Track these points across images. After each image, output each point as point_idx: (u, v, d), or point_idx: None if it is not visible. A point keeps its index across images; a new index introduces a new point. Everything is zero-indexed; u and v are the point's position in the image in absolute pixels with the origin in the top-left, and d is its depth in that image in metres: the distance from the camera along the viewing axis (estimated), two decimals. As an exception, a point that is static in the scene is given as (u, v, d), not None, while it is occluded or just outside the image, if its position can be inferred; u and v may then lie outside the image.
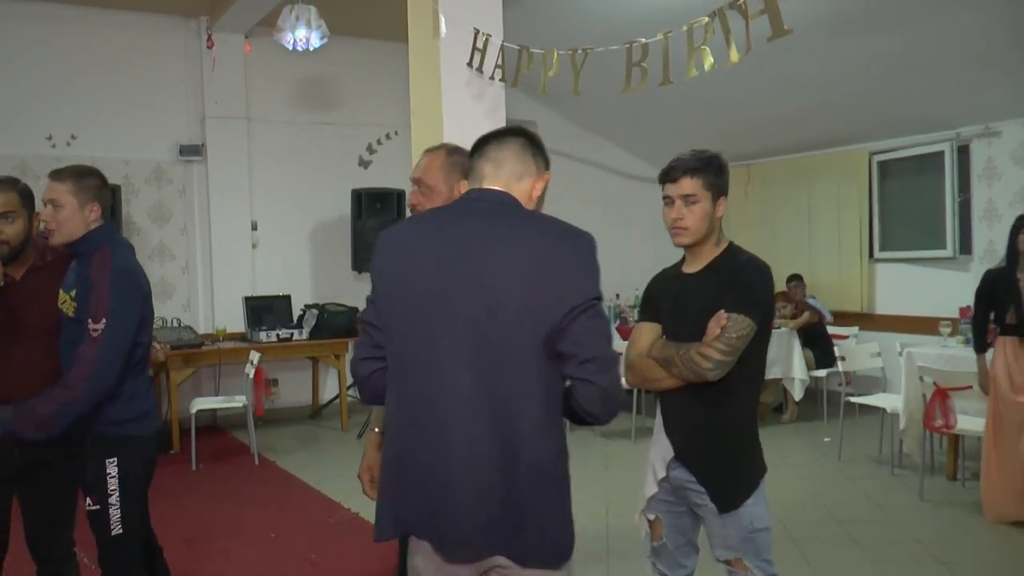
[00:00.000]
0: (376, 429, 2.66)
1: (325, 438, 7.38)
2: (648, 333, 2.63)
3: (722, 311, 2.43)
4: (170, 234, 7.97)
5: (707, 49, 3.24)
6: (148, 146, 7.79)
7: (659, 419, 2.67)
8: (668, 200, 2.55)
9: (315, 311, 7.82)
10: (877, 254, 8.22)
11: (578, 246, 1.84)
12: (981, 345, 4.89)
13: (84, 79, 7.48)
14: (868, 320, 8.18)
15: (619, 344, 7.01)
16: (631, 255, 9.21)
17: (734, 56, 3.17)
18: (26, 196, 2.94)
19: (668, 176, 2.54)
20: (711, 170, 2.53)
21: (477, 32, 3.97)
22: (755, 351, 2.49)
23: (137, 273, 2.84)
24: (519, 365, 1.79)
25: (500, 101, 4.14)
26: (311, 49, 5.15)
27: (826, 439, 6.90)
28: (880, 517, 5.01)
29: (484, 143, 2.00)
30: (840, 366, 6.57)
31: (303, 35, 5.03)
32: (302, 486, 5.87)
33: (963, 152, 7.48)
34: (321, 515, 5.19)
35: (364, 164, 8.66)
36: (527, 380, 1.80)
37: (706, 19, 3.23)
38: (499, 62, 4.01)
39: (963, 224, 7.50)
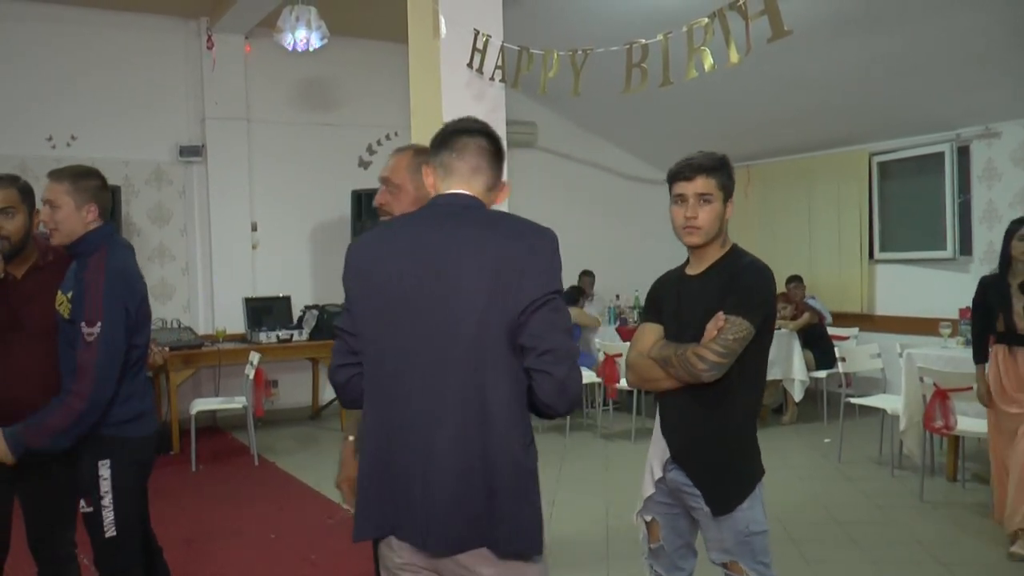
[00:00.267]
0: (350, 437, 2.64)
1: (325, 439, 7.38)
2: (650, 334, 2.63)
3: (720, 312, 2.43)
4: (170, 235, 7.97)
5: (707, 50, 3.24)
6: (148, 147, 7.79)
7: (658, 420, 2.67)
8: (680, 199, 2.52)
9: (315, 312, 7.82)
10: (877, 255, 8.22)
11: (540, 243, 1.89)
12: (980, 355, 4.61)
13: (84, 80, 7.49)
14: (868, 321, 8.18)
15: (620, 345, 7.01)
16: (631, 256, 9.23)
17: (734, 57, 3.17)
18: (26, 193, 2.94)
19: (682, 175, 2.52)
20: (725, 171, 2.53)
21: (477, 33, 3.97)
22: (755, 354, 2.48)
23: (133, 275, 2.83)
24: (490, 363, 1.85)
25: (500, 102, 4.14)
26: (311, 50, 5.15)
27: (826, 440, 6.90)
28: (880, 518, 5.00)
29: (452, 136, 2.02)
30: (840, 367, 6.57)
31: (303, 36, 5.04)
32: (302, 487, 5.87)
33: (963, 153, 7.48)
34: (321, 516, 5.18)
35: (364, 165, 8.66)
36: (498, 377, 1.85)
37: (706, 20, 3.23)
38: (499, 63, 4.01)
39: (963, 225, 7.50)
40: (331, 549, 4.60)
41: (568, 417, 7.37)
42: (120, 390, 2.76)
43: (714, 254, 2.56)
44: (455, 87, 4.03)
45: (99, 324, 2.66)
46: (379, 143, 8.71)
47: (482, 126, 2.05)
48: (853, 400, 6.36)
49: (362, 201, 7.93)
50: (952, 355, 5.57)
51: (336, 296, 8.08)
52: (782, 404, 7.82)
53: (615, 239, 9.65)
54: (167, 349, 3.58)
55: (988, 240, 7.22)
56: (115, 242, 2.88)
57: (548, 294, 1.85)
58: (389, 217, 2.52)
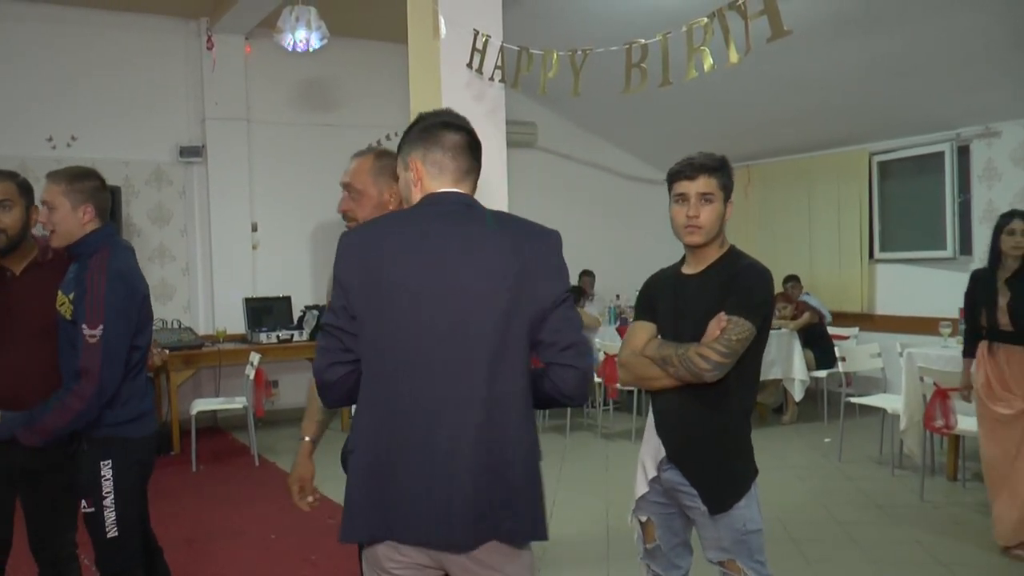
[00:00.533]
0: (307, 438, 2.63)
1: (325, 439, 7.29)
2: (643, 332, 2.63)
3: (722, 313, 2.43)
4: (170, 235, 7.97)
5: (706, 50, 3.23)
6: (148, 147, 7.80)
7: (651, 419, 2.66)
8: (681, 198, 2.53)
9: (315, 312, 7.82)
10: (877, 255, 8.22)
11: (552, 244, 1.96)
12: (969, 349, 4.57)
13: (84, 80, 7.49)
14: (868, 321, 8.18)
15: (620, 345, 7.00)
16: (631, 256, 9.22)
17: (733, 57, 3.17)
18: (24, 187, 2.95)
19: (684, 174, 2.52)
20: (725, 171, 2.54)
21: (477, 33, 3.97)
22: (752, 354, 2.48)
23: (134, 276, 2.84)
24: (507, 360, 1.88)
25: (500, 102, 4.14)
26: (311, 50, 5.14)
27: (826, 440, 6.90)
28: (880, 518, 5.00)
29: (438, 131, 2.01)
30: (840, 367, 6.57)
31: (303, 36, 5.03)
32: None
33: (963, 153, 7.49)
34: (321, 516, 5.17)
35: (364, 165, 8.64)
36: (514, 373, 1.90)
37: (705, 20, 3.23)
38: (499, 63, 4.01)
39: (963, 225, 7.50)
40: (331, 549, 4.60)
41: (568, 417, 7.38)
42: (121, 391, 2.77)
43: (713, 254, 2.57)
44: (455, 87, 4.03)
45: (101, 326, 2.67)
46: (379, 143, 8.67)
47: (465, 122, 2.05)
48: (853, 400, 6.36)
49: (362, 201, 7.92)
50: (952, 354, 5.57)
51: (336, 296, 8.09)
52: (782, 404, 7.82)
53: (615, 239, 9.65)
54: (166, 351, 3.58)
55: (988, 240, 7.20)
56: (116, 243, 2.89)
57: (565, 293, 1.93)
58: (355, 223, 2.49)
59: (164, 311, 7.64)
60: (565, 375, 1.93)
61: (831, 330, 7.88)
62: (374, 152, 2.56)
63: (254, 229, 8.19)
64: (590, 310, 8.61)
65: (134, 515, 2.86)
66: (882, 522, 4.93)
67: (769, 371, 7.10)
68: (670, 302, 2.62)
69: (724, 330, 2.40)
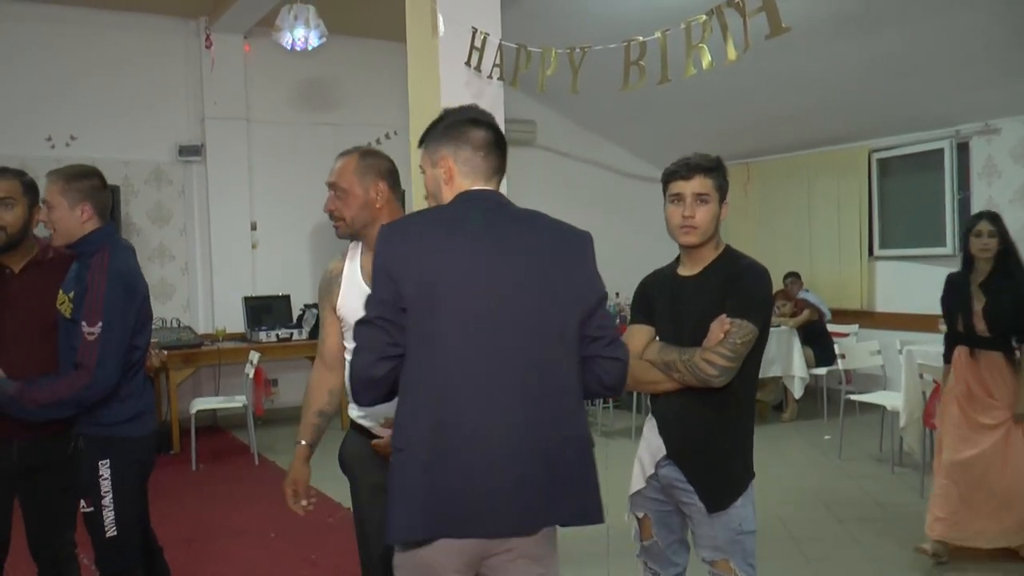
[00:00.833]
0: (303, 442, 2.61)
1: (324, 438, 7.32)
2: (641, 335, 2.62)
3: (724, 315, 2.42)
4: (170, 235, 7.97)
5: (705, 47, 3.23)
6: (147, 147, 7.79)
7: (650, 419, 2.66)
8: (677, 198, 2.52)
9: (315, 311, 7.81)
10: (877, 252, 8.22)
11: (587, 243, 2.06)
12: (949, 354, 4.37)
13: (83, 80, 7.49)
14: (868, 318, 8.18)
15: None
16: (631, 254, 9.18)
17: (732, 54, 3.17)
18: (29, 187, 2.95)
19: (679, 174, 2.52)
20: (721, 172, 2.54)
21: (475, 31, 3.96)
22: (753, 353, 2.48)
23: (135, 275, 2.84)
24: (562, 352, 1.95)
25: (499, 100, 4.13)
26: (310, 49, 5.14)
27: (826, 437, 6.90)
28: (881, 515, 5.00)
29: (467, 127, 2.03)
30: (840, 364, 6.57)
31: (302, 35, 5.02)
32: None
33: (963, 150, 7.48)
34: (321, 515, 5.18)
35: (363, 164, 8.65)
36: (571, 365, 1.97)
37: (704, 17, 3.23)
38: (497, 61, 4.01)
39: (963, 222, 7.48)
40: (331, 548, 4.61)
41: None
42: (120, 390, 2.76)
43: (709, 255, 2.56)
44: (454, 85, 4.02)
45: (99, 324, 2.67)
46: (378, 142, 8.69)
47: (491, 118, 2.09)
48: (853, 397, 6.36)
49: (361, 200, 7.92)
50: (952, 352, 5.57)
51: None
52: (782, 401, 7.82)
53: (615, 237, 9.60)
54: (164, 352, 3.59)
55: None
56: (117, 243, 2.89)
57: (604, 291, 2.04)
58: (342, 223, 2.49)
59: (164, 310, 7.64)
60: (611, 367, 2.01)
61: (831, 327, 7.88)
62: (359, 151, 2.55)
63: (253, 228, 8.18)
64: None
65: (133, 515, 2.86)
66: (883, 519, 4.93)
67: (769, 369, 7.09)
68: (668, 305, 2.61)
69: (728, 333, 2.39)
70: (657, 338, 2.60)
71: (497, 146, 2.05)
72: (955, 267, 4.38)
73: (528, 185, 8.30)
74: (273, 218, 8.25)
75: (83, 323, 2.67)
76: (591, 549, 4.46)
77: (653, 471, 2.60)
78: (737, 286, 2.46)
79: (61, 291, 2.83)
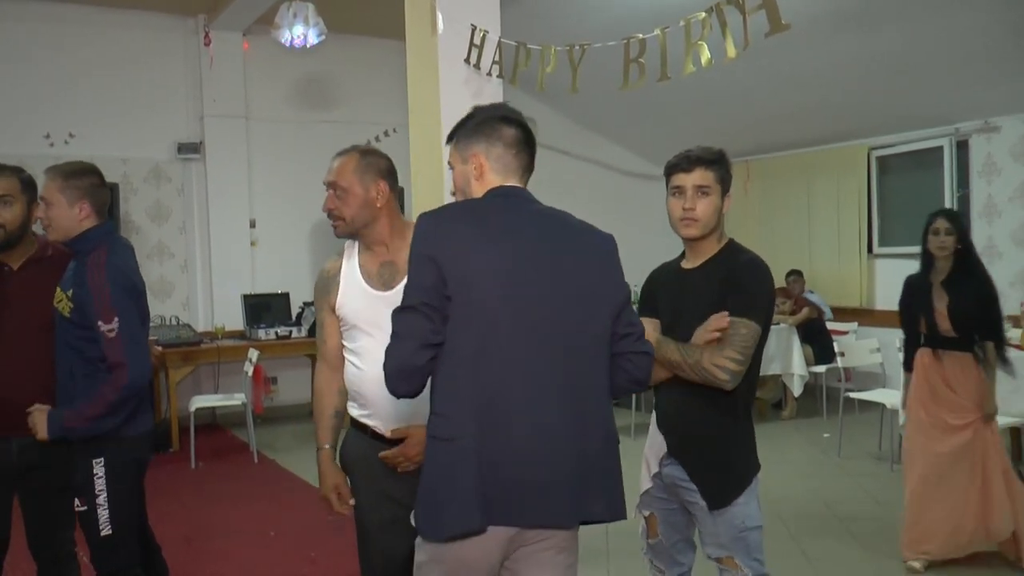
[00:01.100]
0: (326, 446, 2.57)
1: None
2: (648, 327, 2.62)
3: (724, 313, 2.40)
4: (169, 233, 7.97)
5: (704, 45, 3.23)
6: (146, 145, 7.78)
7: (654, 415, 2.66)
8: (678, 190, 2.52)
9: (314, 309, 7.80)
10: (876, 249, 8.22)
11: (613, 243, 2.11)
12: (908, 362, 4.31)
13: (82, 77, 7.48)
14: (867, 316, 8.18)
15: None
16: (630, 252, 9.08)
17: (731, 52, 3.17)
18: (27, 184, 2.94)
19: (680, 166, 2.51)
20: (723, 165, 2.53)
21: (475, 28, 3.96)
22: (755, 351, 2.48)
23: (132, 273, 2.83)
24: (595, 350, 1.99)
25: (498, 98, 4.13)
26: (308, 46, 5.13)
27: (825, 435, 6.90)
28: (880, 513, 5.00)
29: (499, 124, 2.04)
30: (839, 362, 6.56)
31: (301, 32, 5.02)
32: (301, 484, 5.87)
33: (962, 148, 7.48)
34: (320, 513, 5.17)
35: (363, 162, 8.64)
36: (603, 360, 2.00)
37: (703, 14, 3.23)
38: (496, 59, 4.01)
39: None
40: (331, 547, 4.60)
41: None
42: None
43: (711, 248, 2.55)
44: (453, 83, 4.02)
45: (116, 320, 2.67)
46: (377, 140, 8.69)
47: (520, 116, 2.10)
48: (852, 395, 6.36)
49: (361, 198, 7.91)
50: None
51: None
52: (781, 399, 7.82)
53: (614, 235, 9.62)
54: (159, 348, 3.59)
55: (987, 235, 7.21)
56: (115, 241, 2.89)
57: (629, 289, 2.09)
58: (342, 222, 2.48)
59: (163, 308, 7.64)
60: (640, 362, 2.05)
61: (830, 325, 7.88)
62: (358, 150, 2.54)
63: (252, 226, 8.17)
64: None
65: (129, 513, 2.84)
66: (882, 517, 4.93)
67: (768, 367, 7.09)
68: (670, 297, 2.61)
69: (735, 335, 2.38)
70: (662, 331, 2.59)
71: (527, 144, 2.08)
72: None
73: (527, 184, 8.31)
74: (272, 216, 8.25)
75: (100, 323, 2.67)
76: (592, 546, 4.45)
77: (657, 469, 2.61)
78: (739, 285, 2.45)
79: (59, 289, 2.82)
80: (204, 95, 7.89)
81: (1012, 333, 5.93)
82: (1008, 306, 6.92)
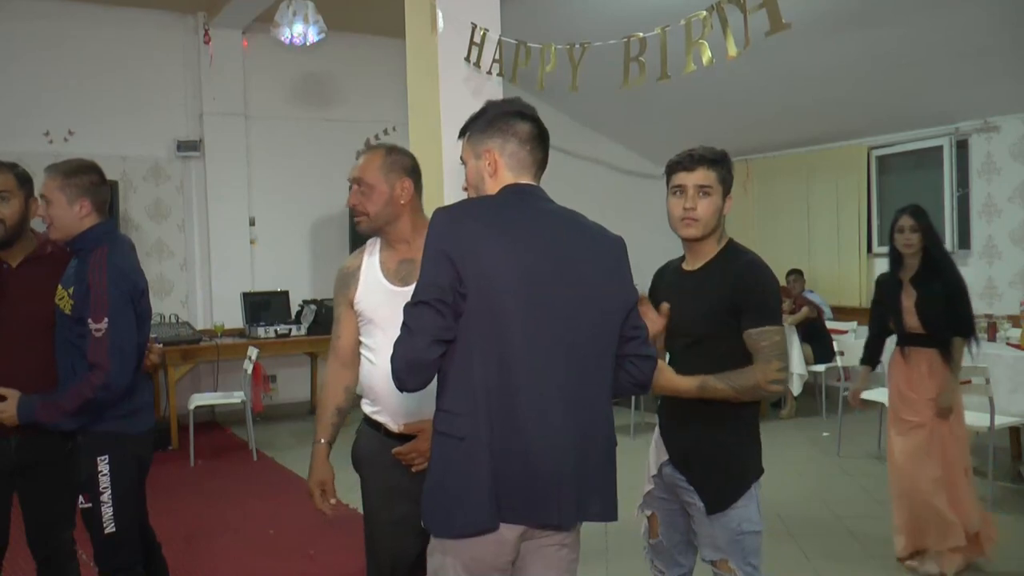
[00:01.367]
0: (322, 440, 2.58)
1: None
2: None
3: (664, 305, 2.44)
4: (168, 230, 7.96)
5: (705, 44, 3.23)
6: (146, 142, 7.78)
7: (659, 422, 2.65)
8: (679, 189, 2.49)
9: (313, 307, 7.81)
10: (876, 249, 8.21)
11: (623, 246, 2.10)
12: (865, 355, 4.43)
13: (82, 76, 7.48)
14: (867, 315, 8.10)
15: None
16: (630, 250, 9.20)
17: (732, 51, 3.17)
18: (23, 179, 2.93)
19: (682, 165, 2.48)
20: (725, 165, 2.50)
21: (475, 27, 3.96)
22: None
23: (135, 271, 2.83)
24: (602, 348, 1.99)
25: (498, 96, 4.13)
26: (308, 44, 5.12)
27: (825, 434, 6.90)
28: (880, 512, 4.99)
29: (512, 120, 2.03)
30: (839, 361, 6.56)
31: (300, 31, 5.01)
32: (300, 482, 5.84)
33: (962, 147, 7.48)
34: (319, 511, 5.18)
35: (362, 160, 8.64)
36: (606, 361, 2.00)
37: (704, 13, 3.23)
38: (497, 57, 4.00)
39: (962, 219, 7.50)
40: (329, 544, 4.60)
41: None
42: None
43: (711, 250, 2.53)
44: (453, 82, 4.02)
45: (105, 320, 2.66)
46: (377, 138, 8.69)
47: (534, 111, 2.08)
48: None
49: (360, 196, 7.90)
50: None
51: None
52: (780, 398, 7.81)
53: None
54: (161, 346, 3.59)
55: (987, 234, 7.22)
56: (116, 238, 2.88)
57: (637, 292, 2.08)
58: (366, 218, 2.49)
59: (162, 306, 7.64)
60: (644, 365, 2.06)
61: (829, 324, 7.88)
62: (385, 148, 2.54)
63: (252, 224, 8.18)
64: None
65: (132, 511, 2.85)
66: (881, 516, 4.91)
67: (767, 366, 7.07)
68: (671, 299, 2.57)
69: (771, 345, 2.38)
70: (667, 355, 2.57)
71: (541, 140, 2.06)
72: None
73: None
74: (272, 214, 8.25)
75: (89, 320, 2.66)
76: (591, 545, 4.45)
77: (656, 471, 2.60)
78: (752, 292, 2.43)
79: (60, 287, 2.82)
80: (204, 93, 7.89)
81: (1012, 333, 5.94)
82: (1008, 306, 6.95)
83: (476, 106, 2.14)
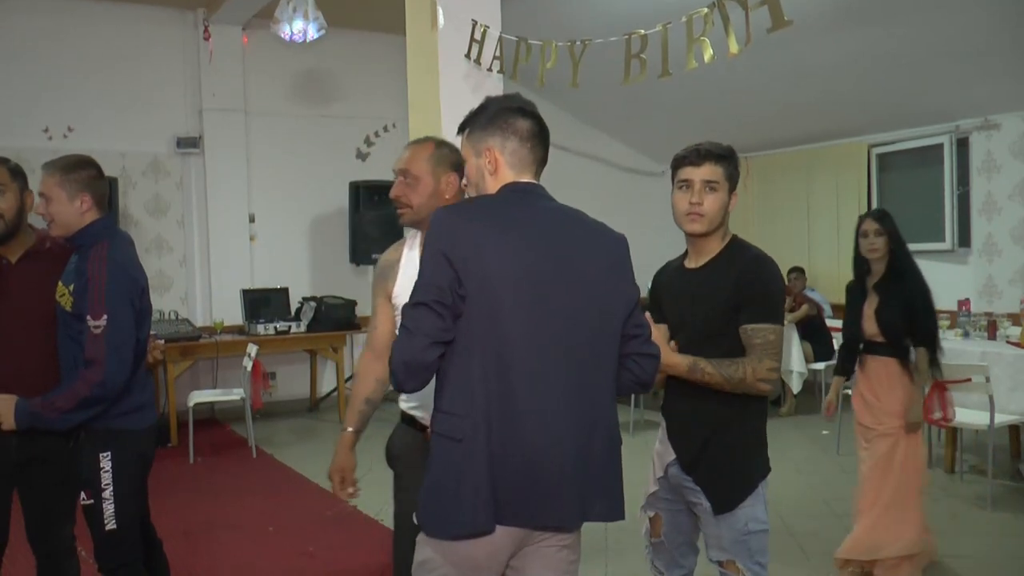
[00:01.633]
0: (349, 429, 2.59)
1: (323, 431, 7.38)
2: (655, 333, 2.59)
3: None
4: (167, 227, 7.95)
5: (706, 40, 3.22)
6: (145, 139, 7.77)
7: (663, 424, 2.64)
8: (685, 184, 2.47)
9: (313, 304, 7.80)
10: (876, 247, 8.20)
11: (626, 245, 2.09)
12: (839, 365, 4.31)
13: (81, 71, 7.46)
14: (867, 313, 8.16)
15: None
16: (631, 249, 9.20)
17: (733, 48, 3.16)
18: (16, 172, 2.90)
19: (689, 160, 2.46)
20: (732, 161, 2.49)
21: (475, 23, 3.95)
22: None
23: (134, 267, 2.82)
24: (604, 348, 1.98)
25: (498, 93, 4.12)
26: (308, 41, 5.12)
27: (824, 432, 6.89)
28: (878, 510, 4.99)
29: (513, 116, 2.01)
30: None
31: (300, 27, 5.00)
32: (300, 479, 5.87)
33: (962, 145, 7.48)
34: (319, 508, 5.18)
35: (362, 156, 8.64)
36: (609, 360, 1.99)
37: (705, 10, 3.22)
38: (497, 54, 4.00)
39: (962, 217, 7.50)
40: (329, 542, 4.60)
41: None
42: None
43: (715, 246, 2.51)
44: (453, 78, 4.01)
45: (104, 317, 2.65)
46: (377, 135, 8.69)
47: (534, 107, 2.07)
48: (851, 392, 6.34)
49: (360, 192, 7.91)
50: (950, 347, 5.55)
51: (334, 288, 8.08)
52: (780, 396, 7.81)
53: (614, 231, 9.64)
54: (162, 342, 3.57)
55: (987, 232, 7.22)
56: (116, 234, 2.87)
57: (639, 290, 2.07)
58: (408, 210, 2.48)
59: (161, 302, 7.63)
60: (646, 364, 2.05)
61: (829, 322, 7.87)
62: (434, 141, 2.54)
63: (251, 220, 8.17)
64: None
65: (133, 508, 2.84)
66: (880, 515, 4.91)
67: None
68: (675, 298, 2.57)
69: (767, 344, 2.37)
70: (670, 340, 2.56)
71: (542, 137, 2.04)
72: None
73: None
74: (271, 210, 8.24)
75: (88, 317, 2.65)
76: (592, 544, 4.45)
77: (663, 473, 2.59)
78: (754, 288, 2.41)
79: (61, 283, 2.81)
80: (203, 89, 7.88)
81: (1012, 331, 5.94)
82: (1008, 304, 6.95)
83: (476, 103, 2.11)
